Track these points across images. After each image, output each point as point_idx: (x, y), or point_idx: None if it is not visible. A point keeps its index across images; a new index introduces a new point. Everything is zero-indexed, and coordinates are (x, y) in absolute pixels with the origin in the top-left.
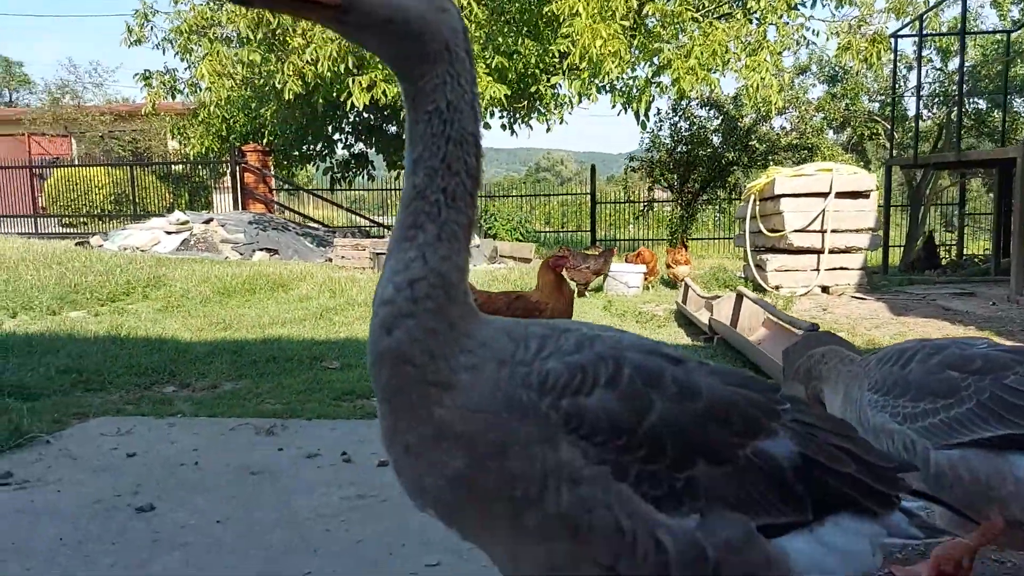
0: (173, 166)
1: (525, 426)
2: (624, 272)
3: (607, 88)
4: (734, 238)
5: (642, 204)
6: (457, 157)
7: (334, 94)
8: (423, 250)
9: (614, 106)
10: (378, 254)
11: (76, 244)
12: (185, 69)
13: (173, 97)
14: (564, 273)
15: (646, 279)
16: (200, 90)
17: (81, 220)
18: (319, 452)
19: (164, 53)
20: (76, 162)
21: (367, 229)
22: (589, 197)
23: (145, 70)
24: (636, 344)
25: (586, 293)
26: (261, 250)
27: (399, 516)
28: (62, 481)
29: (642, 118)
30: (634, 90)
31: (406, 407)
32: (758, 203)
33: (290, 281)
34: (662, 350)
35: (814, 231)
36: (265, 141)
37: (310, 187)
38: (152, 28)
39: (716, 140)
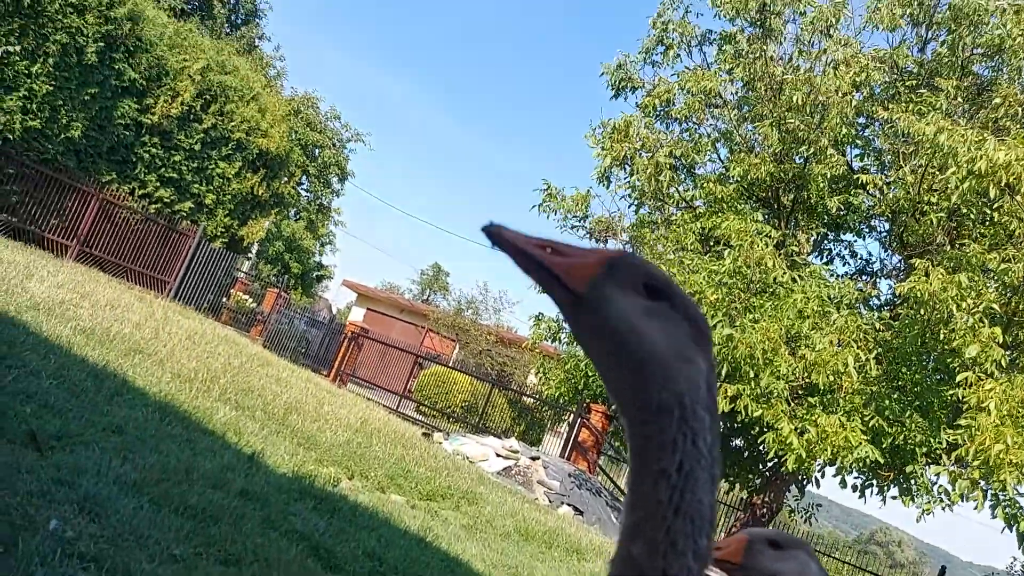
0: (525, 397)
1: None
2: None
3: (995, 500)
4: None
5: None
6: (685, 534)
7: None
8: None
9: (1002, 527)
10: None
11: (422, 434)
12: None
13: (553, 342)
14: None
15: None
16: (575, 346)
17: (434, 413)
18: None
19: None
20: (451, 364)
21: None
22: None
23: (539, 313)
24: None
25: None
26: (569, 505)
27: None
28: None
29: None
30: (1022, 506)
31: None
32: None
33: (587, 551)
34: None
35: None
36: (612, 408)
37: None
38: None
39: None
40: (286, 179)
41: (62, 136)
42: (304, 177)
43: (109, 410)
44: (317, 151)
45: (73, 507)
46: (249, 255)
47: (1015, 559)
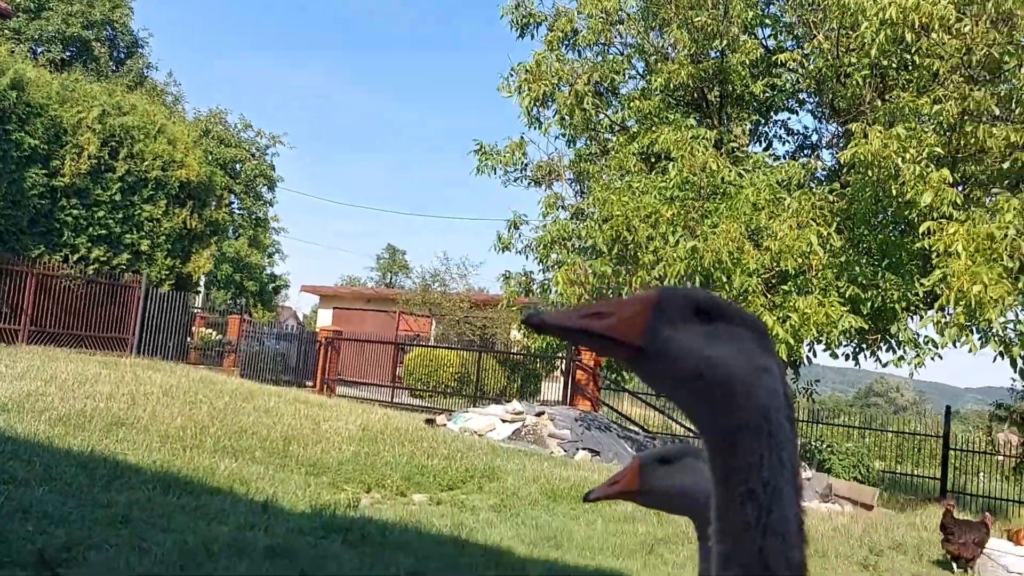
0: (513, 355)
1: None
2: (1004, 552)
3: (983, 334)
4: None
5: (1015, 460)
6: (777, 552)
7: None
8: None
9: (993, 355)
10: None
11: (425, 422)
12: (540, 272)
13: (526, 296)
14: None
15: None
16: (551, 293)
17: (428, 393)
18: None
19: (527, 258)
20: (432, 342)
21: (688, 439)
22: (941, 441)
23: (506, 271)
24: None
25: (967, 570)
26: (584, 449)
27: None
28: None
29: (1021, 367)
30: (1013, 337)
31: None
32: None
33: None
34: None
35: None
36: None
37: (635, 390)
38: (520, 235)
39: None
40: (215, 204)
41: None
42: (233, 196)
43: (109, 499)
44: (238, 166)
45: None
46: (199, 289)
47: (1014, 380)
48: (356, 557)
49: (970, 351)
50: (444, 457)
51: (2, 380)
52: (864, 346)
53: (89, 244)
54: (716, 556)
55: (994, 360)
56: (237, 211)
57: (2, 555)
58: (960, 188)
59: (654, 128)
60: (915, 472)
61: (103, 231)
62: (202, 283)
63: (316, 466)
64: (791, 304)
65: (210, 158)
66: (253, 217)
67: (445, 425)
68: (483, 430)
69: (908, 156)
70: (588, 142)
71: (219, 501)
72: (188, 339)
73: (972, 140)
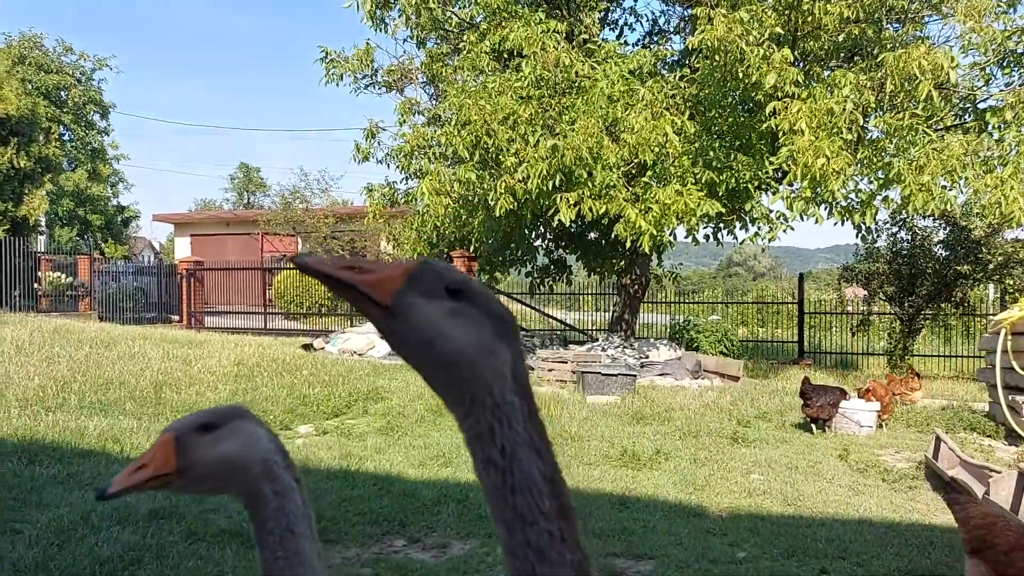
0: None
1: None
2: (856, 410)
3: (828, 205)
4: (977, 373)
5: (859, 317)
6: (529, 506)
7: (541, 208)
8: None
9: (835, 222)
10: (582, 373)
11: (302, 347)
12: (403, 180)
13: (392, 206)
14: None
15: (879, 417)
16: (417, 204)
17: (303, 315)
18: None
19: (388, 167)
20: None
21: (563, 334)
22: (797, 307)
23: (368, 183)
24: None
25: (824, 430)
26: None
27: None
28: None
29: (863, 232)
30: (855, 204)
31: None
32: (1010, 337)
33: None
34: None
35: None
36: (472, 248)
37: (509, 291)
38: (378, 143)
39: (941, 251)
40: (43, 139)
41: None
42: (62, 128)
43: None
44: (63, 94)
45: None
46: (41, 230)
47: (858, 245)
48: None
49: (816, 222)
50: (325, 384)
51: None
52: (722, 226)
53: None
54: (492, 517)
55: (835, 224)
56: (69, 143)
57: None
58: (800, 65)
59: (503, 23)
60: (775, 337)
61: None
62: (43, 223)
63: (192, 411)
64: (652, 196)
65: (29, 88)
66: (88, 148)
67: (323, 348)
68: (363, 349)
69: (752, 39)
70: (439, 42)
71: (92, 465)
72: (35, 286)
73: (809, 18)
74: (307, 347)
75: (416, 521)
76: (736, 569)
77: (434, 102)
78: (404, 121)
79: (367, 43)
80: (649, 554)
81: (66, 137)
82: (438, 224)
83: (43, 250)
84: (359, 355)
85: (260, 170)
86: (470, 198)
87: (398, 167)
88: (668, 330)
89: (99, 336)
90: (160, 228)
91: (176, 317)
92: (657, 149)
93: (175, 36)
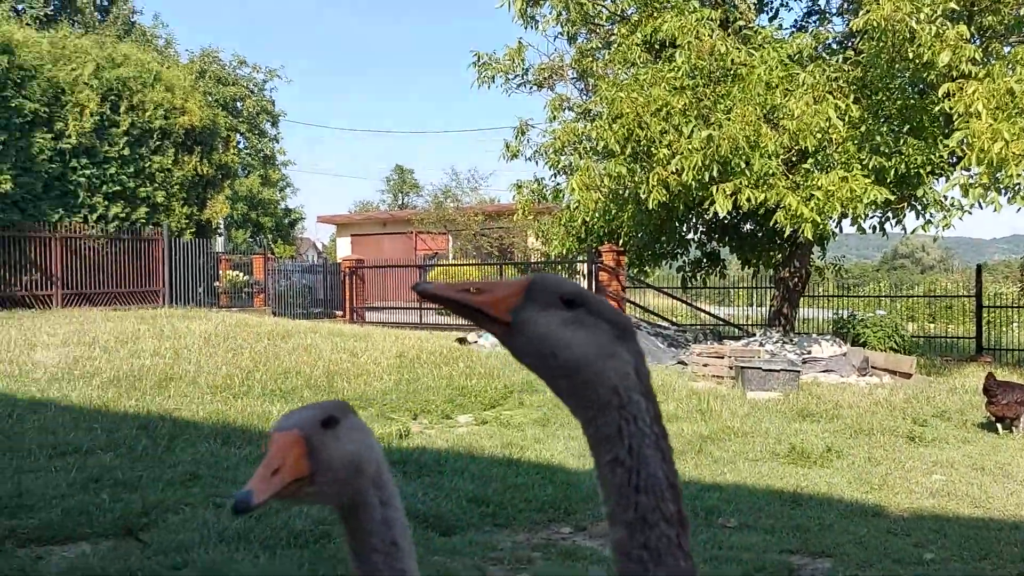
0: (533, 264)
1: None
2: None
3: (1012, 191)
4: None
5: None
6: (652, 508)
7: (694, 200)
8: None
9: (1018, 208)
10: (741, 367)
11: (457, 340)
12: (552, 178)
13: (540, 202)
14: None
15: None
16: (566, 199)
17: None
18: None
19: (537, 164)
20: (452, 257)
21: (718, 329)
22: (975, 300)
23: (518, 180)
24: None
25: (1011, 430)
26: None
27: None
28: None
29: None
30: None
31: None
32: None
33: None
34: None
35: None
36: (620, 242)
37: (659, 285)
38: (528, 141)
39: None
40: (223, 147)
41: None
42: (239, 136)
43: (174, 459)
44: (239, 104)
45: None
46: (220, 232)
47: None
48: (419, 488)
49: (995, 210)
50: (482, 376)
51: (48, 349)
52: (890, 214)
53: (106, 202)
54: (607, 517)
55: (1018, 211)
56: (244, 151)
57: (83, 526)
58: (977, 43)
59: (656, 14)
60: (948, 332)
61: (117, 187)
62: (222, 227)
63: (362, 399)
64: (814, 182)
65: (210, 100)
66: (260, 155)
67: (476, 342)
68: None
69: (923, 16)
70: (589, 36)
71: None
72: (216, 284)
73: None
74: (461, 340)
75: (581, 510)
76: (924, 571)
77: (585, 97)
78: (555, 117)
79: (519, 41)
80: (827, 552)
81: (241, 145)
82: (587, 219)
83: (222, 250)
84: None
85: (414, 171)
86: (620, 192)
87: (547, 163)
88: (831, 325)
89: (275, 329)
90: (323, 228)
91: (340, 312)
92: (820, 135)
93: (332, 43)
